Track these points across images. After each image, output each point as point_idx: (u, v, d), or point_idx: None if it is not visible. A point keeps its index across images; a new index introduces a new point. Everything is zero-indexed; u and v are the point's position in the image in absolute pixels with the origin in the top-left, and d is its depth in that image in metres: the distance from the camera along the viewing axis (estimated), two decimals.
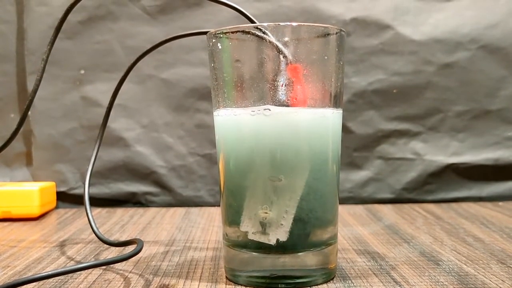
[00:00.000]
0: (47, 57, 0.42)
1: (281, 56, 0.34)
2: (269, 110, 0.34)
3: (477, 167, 0.72)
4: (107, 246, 0.46)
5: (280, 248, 0.35)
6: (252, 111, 0.34)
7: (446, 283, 0.36)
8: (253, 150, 0.34)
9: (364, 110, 0.72)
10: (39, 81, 0.47)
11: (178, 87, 0.71)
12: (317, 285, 0.36)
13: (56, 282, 0.37)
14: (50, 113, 0.71)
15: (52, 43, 0.45)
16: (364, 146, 0.72)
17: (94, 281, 0.37)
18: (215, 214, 0.62)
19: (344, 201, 0.71)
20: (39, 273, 0.34)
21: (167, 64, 0.71)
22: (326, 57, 0.35)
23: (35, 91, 0.47)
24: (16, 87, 0.72)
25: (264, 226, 0.35)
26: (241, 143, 0.35)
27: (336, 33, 0.35)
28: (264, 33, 0.34)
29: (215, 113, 0.38)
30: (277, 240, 0.34)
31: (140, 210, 0.67)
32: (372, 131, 0.72)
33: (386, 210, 0.65)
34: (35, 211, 0.61)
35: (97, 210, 0.67)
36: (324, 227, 0.36)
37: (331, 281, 0.36)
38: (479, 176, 0.72)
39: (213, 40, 0.36)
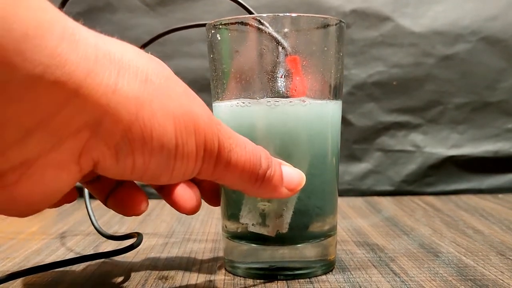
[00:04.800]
0: None
1: (280, 48, 0.33)
2: (268, 101, 0.34)
3: (476, 159, 0.72)
4: None
5: (279, 239, 0.35)
6: (251, 102, 0.34)
7: (445, 274, 0.36)
8: (252, 142, 0.34)
9: (363, 102, 0.71)
10: None
11: None
12: (316, 276, 0.36)
13: (55, 273, 0.37)
14: None
15: None
16: (364, 138, 0.72)
17: (93, 272, 0.37)
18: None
19: (343, 193, 0.71)
20: (38, 264, 0.34)
21: (167, 56, 0.71)
22: (325, 49, 0.35)
23: None
24: None
25: (264, 218, 0.34)
26: (240, 134, 0.35)
27: (336, 24, 0.35)
28: (262, 24, 0.34)
29: (214, 105, 0.38)
30: (277, 231, 0.34)
31: None
32: (372, 123, 0.72)
33: (386, 202, 0.65)
34: None
35: (96, 202, 0.66)
36: (324, 219, 0.36)
37: (330, 273, 0.36)
38: (478, 168, 0.72)
39: (212, 31, 0.36)
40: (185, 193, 0.31)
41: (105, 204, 0.33)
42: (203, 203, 0.34)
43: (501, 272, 0.36)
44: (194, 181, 0.33)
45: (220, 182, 0.29)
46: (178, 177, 0.26)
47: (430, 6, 0.71)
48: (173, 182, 0.28)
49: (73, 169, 0.23)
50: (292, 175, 0.31)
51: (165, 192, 0.32)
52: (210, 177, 0.28)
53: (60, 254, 0.42)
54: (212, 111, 0.38)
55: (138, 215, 0.31)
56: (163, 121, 0.24)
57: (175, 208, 0.32)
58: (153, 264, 0.39)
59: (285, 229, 0.34)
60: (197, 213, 0.32)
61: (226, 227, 0.37)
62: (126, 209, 0.31)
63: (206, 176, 0.28)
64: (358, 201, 0.67)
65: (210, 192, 0.36)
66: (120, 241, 0.43)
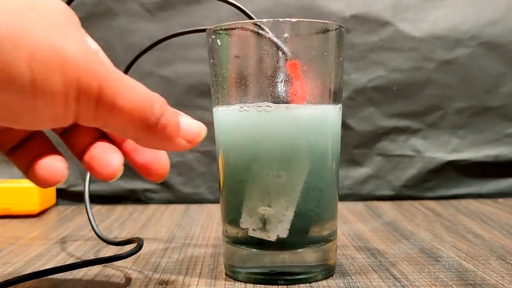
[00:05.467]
0: None
1: (280, 53, 0.34)
2: (269, 106, 0.34)
3: (477, 164, 0.72)
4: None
5: (280, 244, 0.35)
6: (251, 107, 0.34)
7: (446, 279, 0.36)
8: (253, 147, 0.34)
9: (364, 107, 0.71)
10: None
11: (178, 84, 0.71)
12: (316, 281, 0.36)
13: (56, 278, 0.37)
14: None
15: None
16: (364, 143, 0.72)
17: (94, 277, 0.37)
18: (215, 211, 0.62)
19: (344, 198, 0.71)
20: (39, 269, 0.34)
21: (167, 61, 0.71)
22: (325, 54, 0.35)
23: None
24: None
25: (264, 223, 0.34)
26: (241, 139, 0.35)
27: (336, 29, 0.35)
28: (262, 29, 0.34)
29: (214, 110, 0.38)
30: (277, 236, 0.34)
31: (140, 207, 0.67)
32: (372, 128, 0.72)
33: (386, 207, 0.65)
34: (35, 208, 0.61)
35: (97, 207, 0.67)
36: (324, 224, 0.36)
37: (331, 278, 0.36)
38: (479, 173, 0.72)
39: (212, 37, 0.36)
40: (102, 155, 0.29)
41: (80, 161, 0.29)
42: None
43: (502, 277, 0.36)
44: (114, 142, 0.30)
45: (106, 130, 0.27)
46: (46, 118, 0.24)
47: (430, 11, 0.71)
48: (43, 127, 0.25)
49: None
50: (190, 126, 0.29)
51: (77, 151, 0.29)
52: (93, 123, 0.25)
53: (61, 260, 0.42)
54: (213, 116, 0.38)
55: (111, 177, 0.28)
56: (12, 50, 0.22)
57: (90, 172, 0.29)
58: (154, 269, 0.39)
59: (285, 233, 0.34)
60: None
61: (226, 232, 0.37)
62: (99, 167, 0.28)
63: (88, 122, 0.25)
64: (358, 205, 0.67)
65: (134, 154, 0.30)
66: (121, 246, 0.43)
